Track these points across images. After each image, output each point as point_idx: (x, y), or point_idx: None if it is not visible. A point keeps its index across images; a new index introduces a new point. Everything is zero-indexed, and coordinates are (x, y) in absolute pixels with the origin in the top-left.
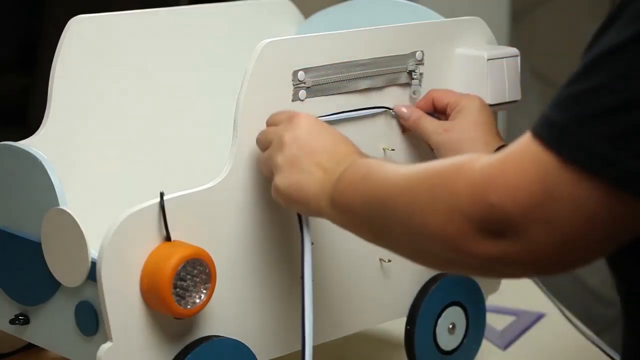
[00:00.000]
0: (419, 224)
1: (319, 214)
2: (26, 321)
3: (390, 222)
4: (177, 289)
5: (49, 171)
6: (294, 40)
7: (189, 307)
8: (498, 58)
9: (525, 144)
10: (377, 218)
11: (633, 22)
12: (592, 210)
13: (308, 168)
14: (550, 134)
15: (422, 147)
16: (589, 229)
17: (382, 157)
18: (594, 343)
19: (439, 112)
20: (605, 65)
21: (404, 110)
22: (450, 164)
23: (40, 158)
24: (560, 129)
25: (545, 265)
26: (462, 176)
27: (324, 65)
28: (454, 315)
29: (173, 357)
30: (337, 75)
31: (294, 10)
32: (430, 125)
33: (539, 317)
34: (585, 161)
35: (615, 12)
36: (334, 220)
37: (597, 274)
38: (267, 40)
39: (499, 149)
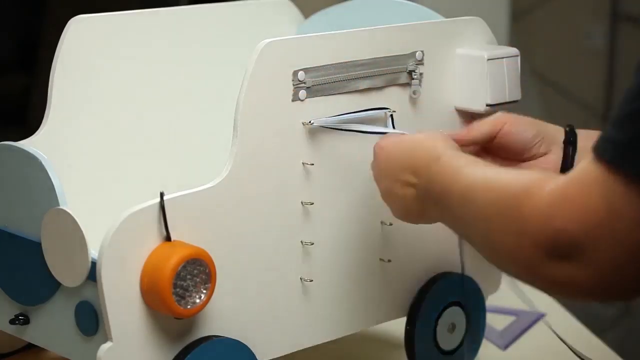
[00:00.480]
0: (493, 243)
1: (434, 220)
2: (26, 321)
3: (475, 237)
4: (177, 289)
5: (49, 171)
6: (294, 40)
7: (189, 307)
8: (498, 58)
9: (588, 166)
10: (465, 224)
11: None
12: None
13: (400, 193)
14: (613, 152)
15: None
16: None
17: (455, 155)
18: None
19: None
20: None
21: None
22: (521, 184)
23: (40, 158)
24: (622, 147)
25: (612, 287)
26: (530, 202)
27: (324, 65)
28: (454, 315)
29: (173, 357)
30: (337, 75)
31: (294, 10)
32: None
33: (539, 317)
34: None
35: None
36: (443, 223)
37: None
38: (267, 40)
39: (568, 131)
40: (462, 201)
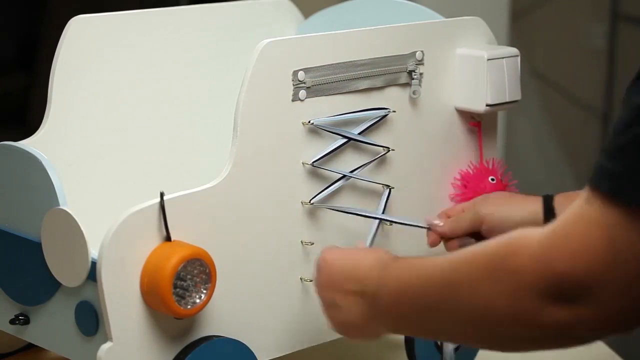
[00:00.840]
0: (483, 311)
1: (378, 334)
2: (26, 321)
3: (450, 317)
4: (177, 289)
5: (49, 171)
6: (294, 40)
7: (189, 307)
8: (498, 58)
9: (582, 205)
10: (432, 318)
11: None
12: None
13: (344, 303)
14: (609, 184)
15: (422, 148)
16: None
17: (408, 256)
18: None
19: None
20: None
21: (436, 221)
22: (502, 243)
23: (40, 158)
24: (618, 178)
25: (621, 323)
26: (521, 252)
27: (324, 65)
28: None
29: (173, 357)
30: (337, 75)
31: (294, 10)
32: (467, 207)
33: None
34: None
35: None
36: (393, 332)
37: None
38: (267, 40)
39: (546, 199)
40: (431, 285)
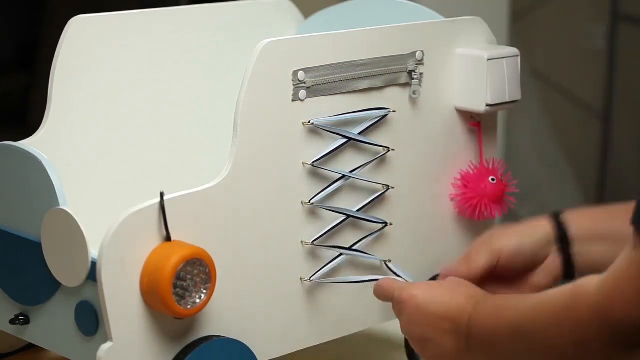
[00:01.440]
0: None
1: None
2: (26, 321)
3: None
4: (177, 289)
5: (49, 171)
6: (294, 40)
7: (189, 307)
8: (498, 58)
9: (628, 252)
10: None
11: None
12: None
13: (438, 339)
14: None
15: (422, 148)
16: None
17: (493, 297)
18: None
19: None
20: None
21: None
22: (565, 293)
23: (40, 158)
24: None
25: None
26: (581, 304)
27: (324, 65)
28: None
29: (173, 357)
30: (337, 75)
31: (294, 10)
32: (476, 247)
33: None
34: None
35: None
36: None
37: None
38: (267, 40)
39: (554, 216)
40: (514, 338)
